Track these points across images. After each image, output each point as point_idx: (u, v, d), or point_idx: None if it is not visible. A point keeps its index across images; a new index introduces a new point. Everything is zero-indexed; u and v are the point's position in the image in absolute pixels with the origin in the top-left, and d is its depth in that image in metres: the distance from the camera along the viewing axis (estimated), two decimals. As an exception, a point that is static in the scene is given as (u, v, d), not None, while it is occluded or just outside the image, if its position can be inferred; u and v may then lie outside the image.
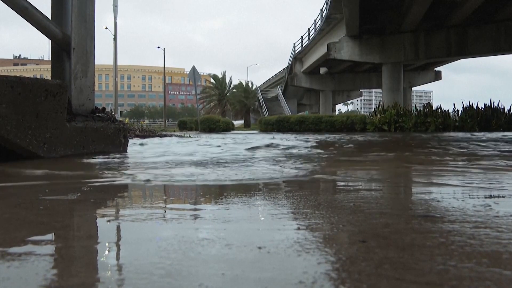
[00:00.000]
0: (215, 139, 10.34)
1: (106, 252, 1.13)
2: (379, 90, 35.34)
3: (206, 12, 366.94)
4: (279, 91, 43.13)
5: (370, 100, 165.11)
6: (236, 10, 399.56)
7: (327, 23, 27.29)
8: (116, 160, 4.09)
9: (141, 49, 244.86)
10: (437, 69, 36.93)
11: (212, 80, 44.02)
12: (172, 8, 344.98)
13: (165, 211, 1.71)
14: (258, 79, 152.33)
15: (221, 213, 1.63)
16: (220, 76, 43.77)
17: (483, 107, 18.48)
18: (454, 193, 2.12)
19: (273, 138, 10.61)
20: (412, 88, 38.06)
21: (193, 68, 23.05)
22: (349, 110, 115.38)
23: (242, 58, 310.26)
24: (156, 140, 8.99)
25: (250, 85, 41.73)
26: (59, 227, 1.43)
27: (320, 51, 30.14)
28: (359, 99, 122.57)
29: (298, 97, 45.07)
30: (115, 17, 28.52)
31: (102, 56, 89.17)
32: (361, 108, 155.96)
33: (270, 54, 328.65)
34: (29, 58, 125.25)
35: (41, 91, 3.99)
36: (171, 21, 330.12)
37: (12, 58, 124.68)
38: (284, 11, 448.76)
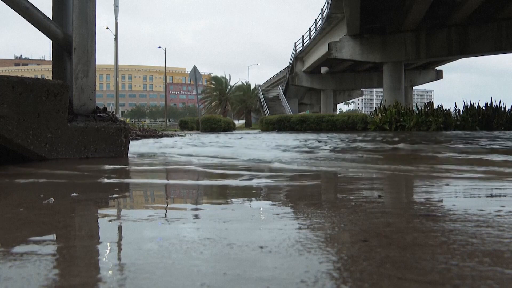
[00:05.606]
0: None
1: (107, 251, 1.13)
2: (380, 89, 35.32)
3: (193, 13, 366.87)
4: (280, 90, 43.09)
5: (371, 99, 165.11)
6: (225, 11, 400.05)
7: (328, 23, 27.28)
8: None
9: (130, 50, 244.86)
10: (438, 68, 36.91)
11: (212, 81, 44.08)
12: (157, 9, 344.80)
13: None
14: (251, 79, 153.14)
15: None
16: (220, 76, 43.86)
17: (484, 106, 18.43)
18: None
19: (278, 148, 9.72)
20: (413, 87, 38.03)
21: (194, 68, 23.04)
22: (351, 109, 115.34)
23: (236, 58, 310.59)
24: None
25: (249, 84, 41.84)
26: (61, 226, 1.43)
27: (321, 51, 30.12)
28: (360, 98, 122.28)
29: (299, 97, 45.05)
30: (116, 17, 28.58)
31: (102, 56, 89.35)
32: (362, 107, 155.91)
33: (262, 54, 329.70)
34: (30, 58, 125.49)
35: (42, 91, 3.99)
36: (155, 22, 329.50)
37: (13, 58, 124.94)
38: (275, 11, 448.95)
